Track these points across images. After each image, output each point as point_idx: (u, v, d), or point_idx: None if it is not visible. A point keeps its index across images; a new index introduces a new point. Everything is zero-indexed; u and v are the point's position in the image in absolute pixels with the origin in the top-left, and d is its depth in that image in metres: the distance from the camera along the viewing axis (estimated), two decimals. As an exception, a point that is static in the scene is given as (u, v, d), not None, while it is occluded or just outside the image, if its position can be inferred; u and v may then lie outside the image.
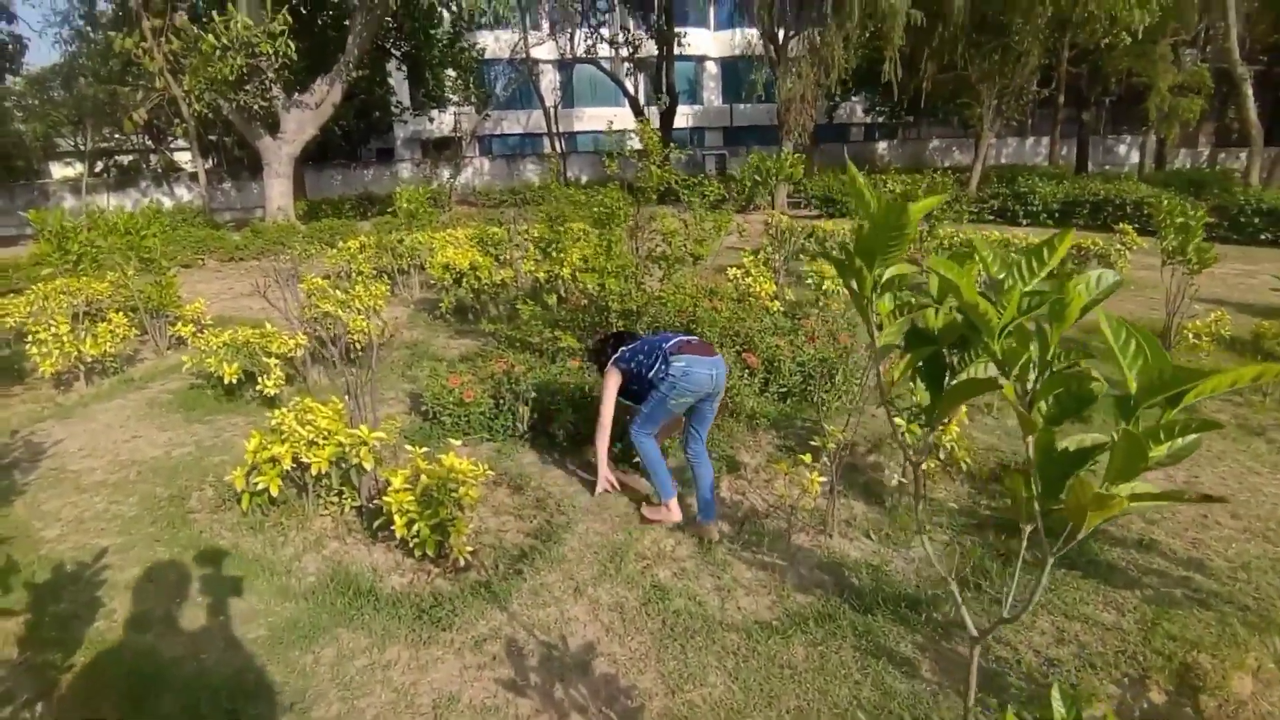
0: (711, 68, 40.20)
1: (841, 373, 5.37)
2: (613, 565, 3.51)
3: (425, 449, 3.74)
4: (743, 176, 7.96)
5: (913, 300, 1.61)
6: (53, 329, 6.45)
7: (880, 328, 1.63)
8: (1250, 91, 18.60)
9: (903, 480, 4.07)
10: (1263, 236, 15.15)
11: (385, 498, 3.46)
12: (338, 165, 30.59)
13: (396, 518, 3.40)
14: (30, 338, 6.46)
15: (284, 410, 4.00)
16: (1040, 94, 25.43)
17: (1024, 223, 17.96)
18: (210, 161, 27.93)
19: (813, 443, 3.83)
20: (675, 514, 3.95)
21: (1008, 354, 1.40)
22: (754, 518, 4.12)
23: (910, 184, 20.97)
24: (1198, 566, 3.49)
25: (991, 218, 18.60)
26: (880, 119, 40.08)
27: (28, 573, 3.72)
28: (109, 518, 4.26)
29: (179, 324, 7.58)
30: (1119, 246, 10.23)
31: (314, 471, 3.77)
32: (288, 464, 3.78)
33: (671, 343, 3.91)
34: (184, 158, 31.54)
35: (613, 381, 4.02)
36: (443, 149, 32.31)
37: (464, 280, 8.21)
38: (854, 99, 36.95)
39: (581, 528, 3.83)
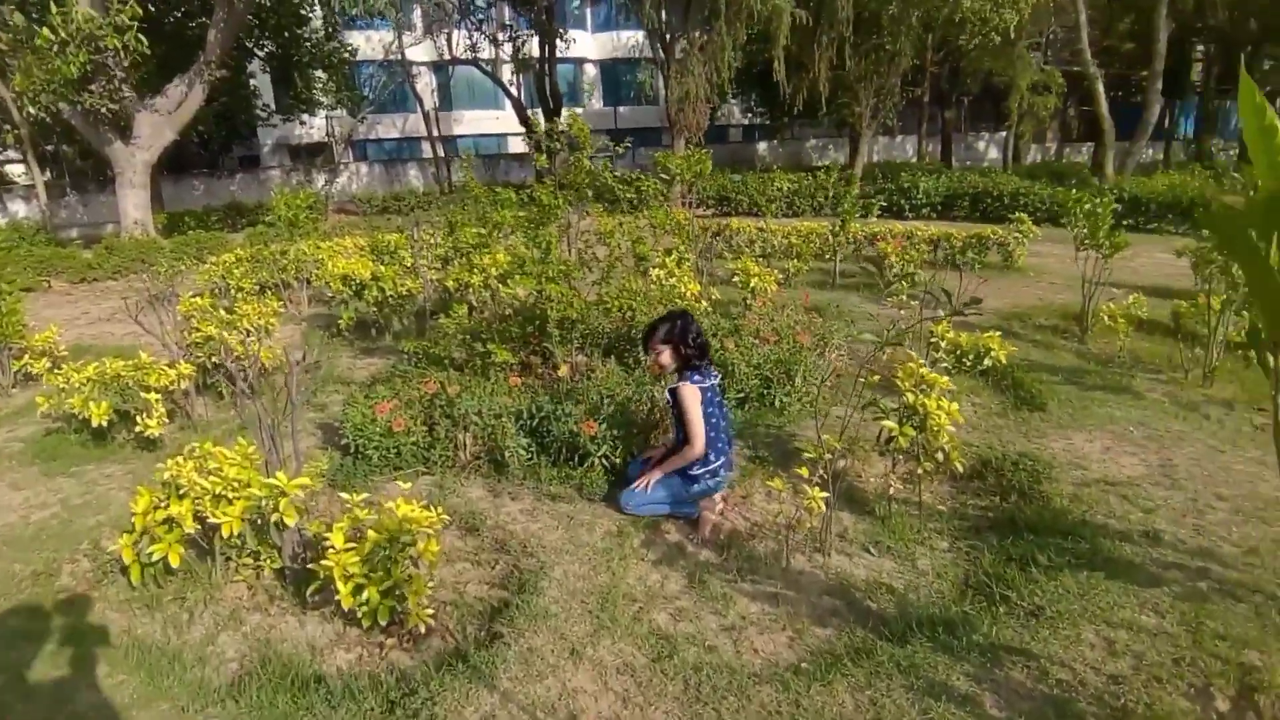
0: (591, 70, 39.90)
1: (800, 373, 5.07)
2: (605, 614, 3.01)
3: (364, 496, 3.13)
4: (678, 170, 7.61)
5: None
6: None
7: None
8: (1101, 89, 19.96)
9: (898, 486, 3.77)
10: (1125, 222, 16.18)
11: (324, 561, 2.83)
12: (198, 174, 28.24)
13: (341, 585, 2.78)
14: None
15: (179, 459, 3.28)
16: (912, 93, 26.54)
17: (909, 216, 18.48)
18: (49, 174, 25.11)
19: (805, 455, 3.47)
20: (714, 509, 3.81)
21: None
22: (737, 540, 3.72)
23: (797, 181, 21.53)
24: (1208, 555, 3.35)
25: (879, 213, 19.11)
26: (758, 120, 41.01)
27: None
28: (-51, 608, 3.38)
29: (26, 357, 6.45)
30: (1017, 235, 10.54)
31: (224, 533, 3.07)
32: (190, 526, 3.07)
33: (733, 450, 3.97)
34: (17, 170, 28.31)
35: (694, 398, 3.68)
36: (315, 155, 30.50)
37: (365, 293, 7.44)
38: (732, 101, 37.60)
39: (558, 571, 3.31)
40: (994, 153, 38.79)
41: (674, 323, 3.74)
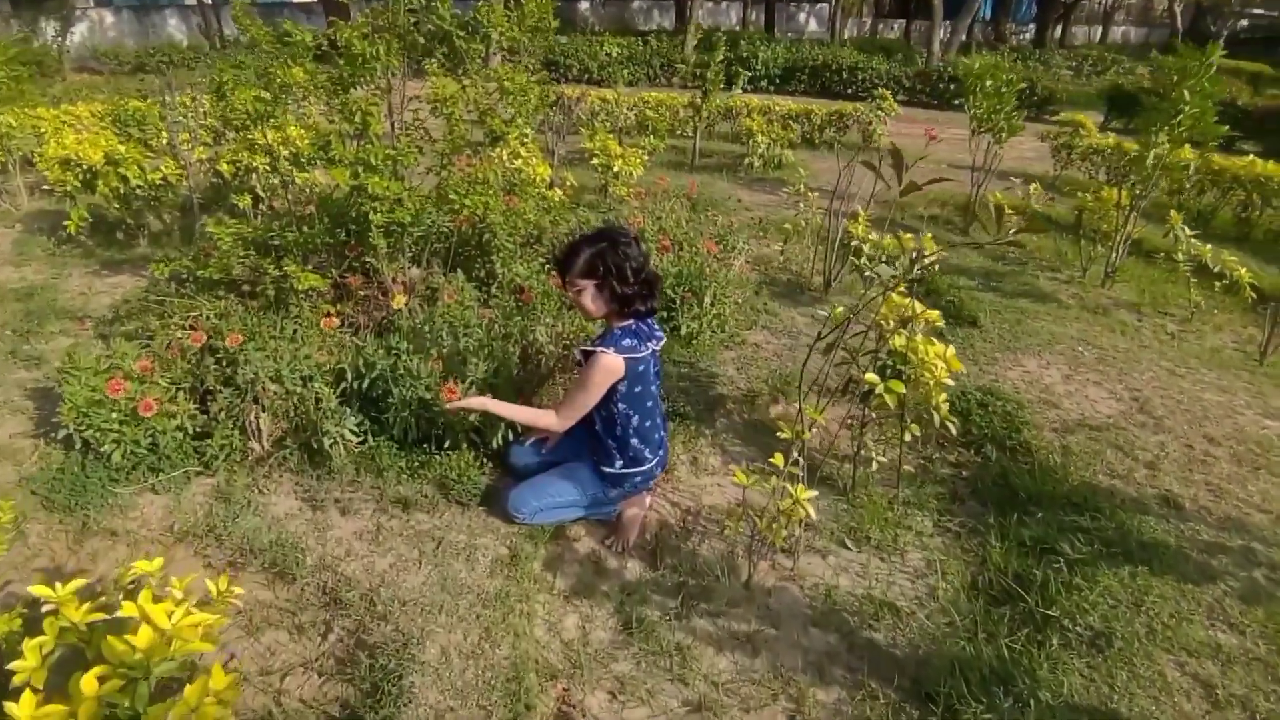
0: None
1: (711, 292, 4.02)
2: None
3: (77, 584, 1.77)
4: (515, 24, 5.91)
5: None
6: None
7: None
8: (933, -40, 19.56)
9: (880, 460, 2.88)
10: (955, 102, 16.22)
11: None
12: None
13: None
14: None
15: None
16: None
17: (747, 88, 17.52)
18: None
19: (780, 435, 2.45)
20: (642, 503, 2.78)
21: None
22: (668, 535, 2.73)
23: (628, 45, 19.93)
24: (1241, 528, 2.78)
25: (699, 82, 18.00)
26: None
27: None
28: None
29: None
30: (879, 113, 9.89)
31: None
32: None
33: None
34: None
35: (605, 377, 2.47)
36: (37, -3, 24.36)
37: (100, 182, 5.42)
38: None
39: (432, 649, 2.13)
40: (814, 25, 38.40)
41: (600, 246, 2.45)
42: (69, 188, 5.41)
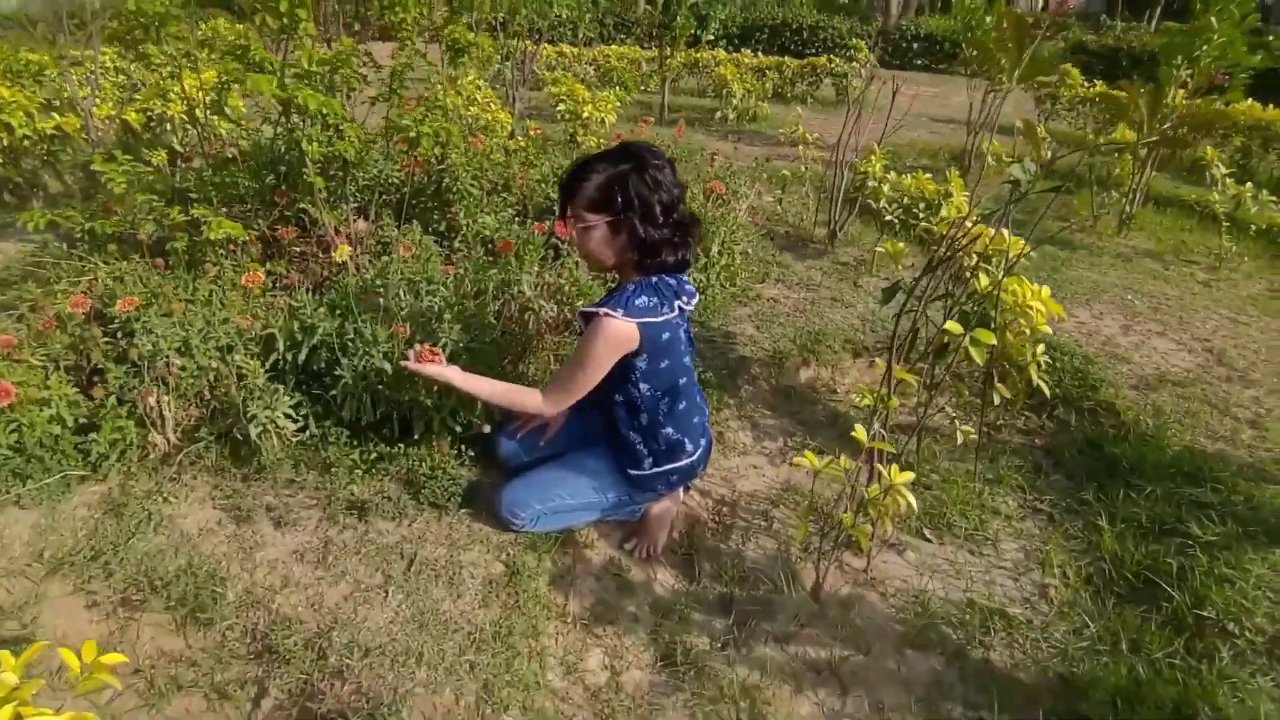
0: None
1: (719, 240, 3.41)
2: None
3: None
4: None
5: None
6: None
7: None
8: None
9: (967, 433, 2.33)
10: (918, 62, 15.88)
11: None
12: None
13: None
14: None
15: None
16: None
17: (704, 46, 16.88)
18: None
19: (861, 402, 1.88)
20: (675, 498, 2.16)
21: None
22: (702, 534, 2.16)
23: (577, 5, 19.10)
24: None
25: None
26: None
27: None
28: None
29: None
30: (855, 65, 9.37)
31: None
32: None
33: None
34: None
35: (611, 349, 1.82)
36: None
37: (-21, 133, 4.57)
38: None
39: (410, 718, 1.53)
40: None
41: (622, 169, 1.79)
42: (-60, 140, 4.53)
